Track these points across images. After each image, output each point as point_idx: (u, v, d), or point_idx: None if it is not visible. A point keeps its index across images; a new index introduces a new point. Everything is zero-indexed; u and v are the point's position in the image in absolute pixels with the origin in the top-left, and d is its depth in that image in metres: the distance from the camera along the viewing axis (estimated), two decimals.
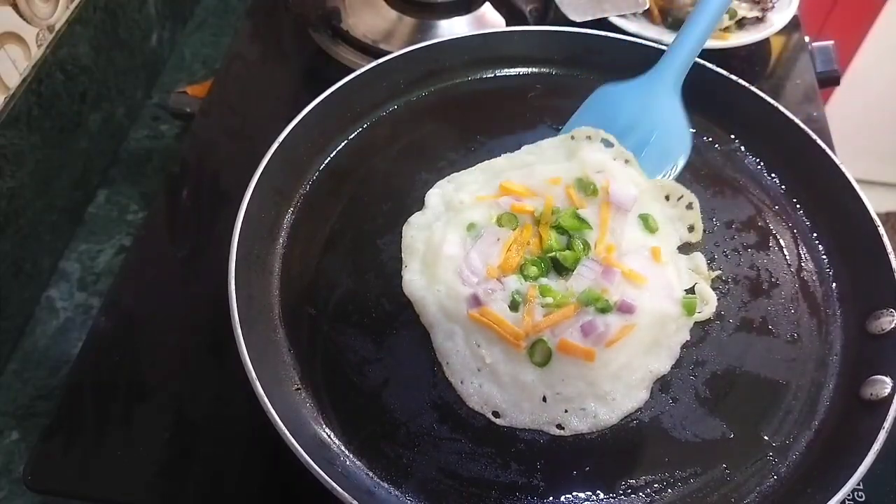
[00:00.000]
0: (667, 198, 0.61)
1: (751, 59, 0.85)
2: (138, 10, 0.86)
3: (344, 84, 0.64)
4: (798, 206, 0.63)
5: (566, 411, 0.51)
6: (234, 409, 0.57)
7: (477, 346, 0.52)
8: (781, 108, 0.64)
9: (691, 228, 0.60)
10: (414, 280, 0.56)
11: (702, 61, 0.66)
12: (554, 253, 0.54)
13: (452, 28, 0.82)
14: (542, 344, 0.51)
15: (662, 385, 0.53)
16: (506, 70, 0.72)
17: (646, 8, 0.83)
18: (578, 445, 0.51)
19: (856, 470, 0.45)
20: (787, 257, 0.60)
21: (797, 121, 0.63)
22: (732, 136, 0.67)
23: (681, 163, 0.63)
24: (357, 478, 0.49)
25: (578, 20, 0.78)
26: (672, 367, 0.54)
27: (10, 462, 0.62)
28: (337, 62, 0.79)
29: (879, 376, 0.51)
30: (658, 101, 0.64)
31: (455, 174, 0.63)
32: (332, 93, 0.63)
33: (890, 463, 0.56)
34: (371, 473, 0.49)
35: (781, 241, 0.61)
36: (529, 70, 0.72)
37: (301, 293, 0.57)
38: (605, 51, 0.71)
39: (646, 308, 0.52)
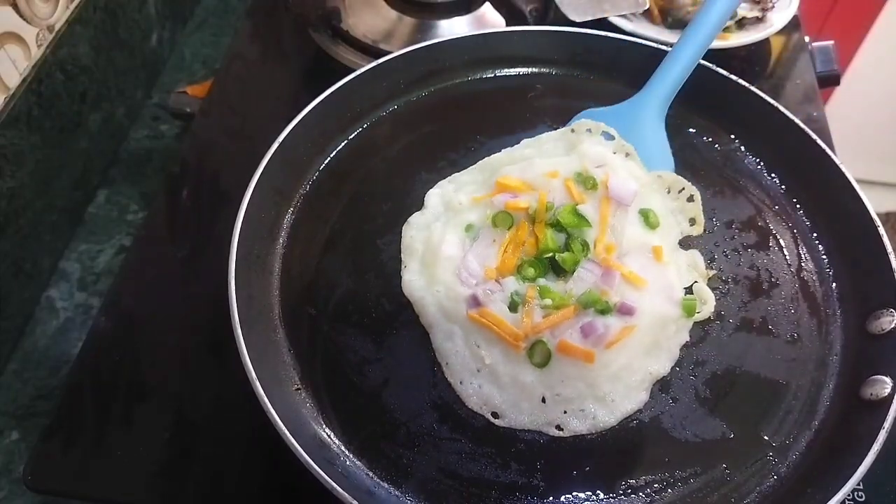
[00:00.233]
0: (668, 190, 0.61)
1: (751, 59, 0.85)
2: (138, 10, 0.86)
3: (344, 84, 0.64)
4: (798, 205, 0.63)
5: (565, 412, 0.51)
6: (234, 409, 0.57)
7: (476, 347, 0.52)
8: (781, 108, 0.64)
9: (693, 221, 0.60)
10: (413, 280, 0.56)
11: (702, 61, 0.66)
12: (552, 254, 0.53)
13: (452, 28, 0.82)
14: (541, 345, 0.51)
15: (662, 385, 0.53)
16: (506, 70, 0.72)
17: (646, 8, 0.83)
18: (578, 445, 0.51)
19: (856, 470, 0.45)
20: (787, 257, 0.60)
21: (797, 121, 0.63)
22: (732, 136, 0.67)
23: None
24: (357, 478, 0.49)
25: (578, 20, 0.77)
26: (672, 368, 0.54)
27: (11, 462, 0.62)
28: (337, 62, 0.78)
29: (879, 376, 0.51)
30: (641, 128, 0.63)
31: (455, 174, 0.63)
32: (331, 93, 0.63)
33: (890, 463, 0.56)
34: (371, 473, 0.49)
35: (781, 241, 0.61)
36: (529, 70, 0.72)
37: (301, 293, 0.57)
38: (605, 51, 0.71)
39: (646, 310, 0.52)
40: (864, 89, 1.55)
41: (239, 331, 0.49)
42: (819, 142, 0.62)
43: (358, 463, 0.50)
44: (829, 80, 0.85)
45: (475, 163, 0.64)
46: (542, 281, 0.53)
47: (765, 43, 0.85)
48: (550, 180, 0.57)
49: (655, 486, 0.49)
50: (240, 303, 0.51)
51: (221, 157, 0.75)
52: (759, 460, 0.50)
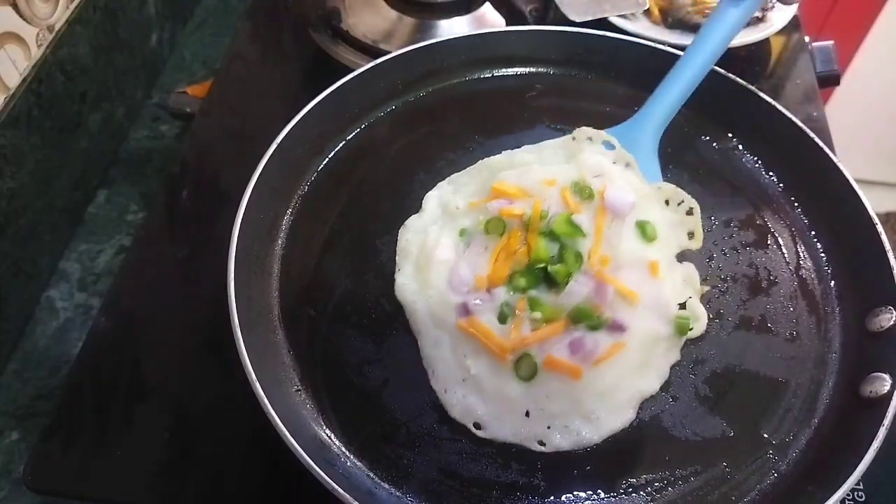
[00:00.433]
0: (667, 202, 0.60)
1: (751, 59, 0.85)
2: (138, 10, 0.86)
3: (342, 85, 0.64)
4: (796, 204, 0.63)
5: (549, 428, 0.50)
6: (234, 410, 0.57)
7: (463, 357, 0.51)
8: (779, 107, 0.64)
9: (691, 235, 0.59)
10: (406, 284, 0.56)
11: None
12: (544, 264, 0.52)
13: (452, 28, 0.82)
14: (528, 358, 0.50)
15: (662, 383, 0.53)
16: (504, 70, 0.72)
17: (646, 8, 0.83)
18: None
19: (856, 467, 0.45)
20: (786, 255, 0.60)
21: (795, 120, 0.63)
22: (731, 135, 0.67)
23: None
24: (357, 479, 0.49)
25: (578, 20, 0.77)
26: (672, 378, 0.53)
27: (11, 462, 0.62)
28: (337, 62, 0.78)
29: (879, 373, 0.51)
30: (638, 146, 0.62)
31: (455, 174, 0.63)
32: (330, 93, 0.63)
33: (890, 463, 0.56)
34: (372, 474, 0.49)
35: (780, 240, 0.61)
36: (528, 70, 0.72)
37: (300, 294, 0.57)
38: (604, 50, 0.71)
39: (637, 327, 0.51)
40: (864, 89, 1.55)
41: (238, 333, 0.49)
42: (817, 140, 0.62)
43: (358, 464, 0.50)
44: (829, 80, 0.85)
45: (474, 163, 0.64)
46: (533, 292, 0.52)
47: (765, 43, 0.85)
48: (547, 188, 0.56)
49: (656, 484, 0.49)
50: (239, 304, 0.51)
51: (221, 157, 0.75)
52: (760, 458, 0.50)
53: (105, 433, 0.56)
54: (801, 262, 0.60)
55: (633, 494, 0.49)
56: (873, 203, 0.58)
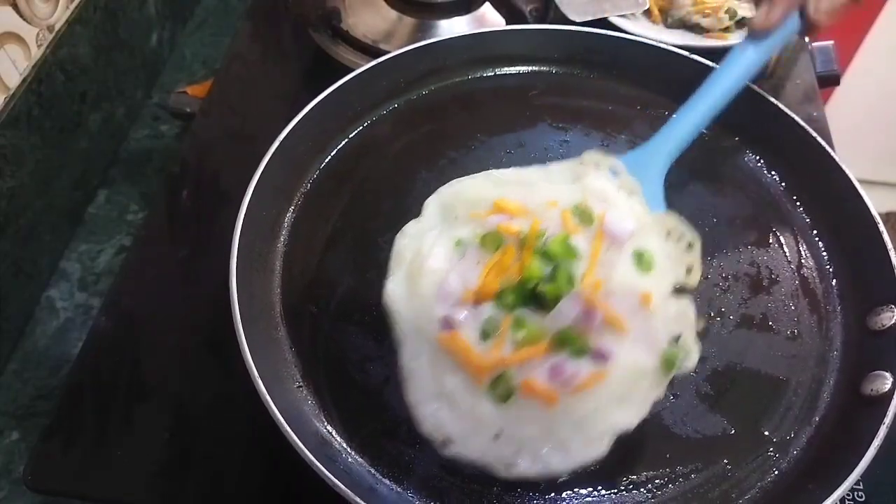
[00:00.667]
0: (667, 234, 0.58)
1: None
2: (138, 10, 0.86)
3: (344, 83, 0.64)
4: (798, 203, 0.63)
5: (517, 452, 0.48)
6: (234, 410, 0.57)
7: (441, 372, 0.50)
8: (781, 106, 0.64)
9: (689, 270, 0.56)
10: (395, 291, 0.54)
11: (703, 59, 0.66)
12: (535, 284, 0.50)
13: (452, 28, 0.82)
14: (504, 380, 0.48)
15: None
16: (506, 69, 0.72)
17: (646, 8, 0.83)
18: None
19: (856, 465, 0.45)
20: (787, 254, 0.60)
21: (797, 118, 0.63)
22: (733, 134, 0.67)
23: None
24: (359, 475, 0.49)
25: (578, 20, 0.78)
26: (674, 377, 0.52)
27: (11, 462, 0.62)
28: (337, 62, 0.78)
29: (880, 372, 0.51)
30: (645, 174, 0.60)
31: (458, 180, 0.61)
32: (332, 92, 0.63)
33: (890, 463, 0.56)
34: (373, 470, 0.49)
35: (781, 239, 0.61)
36: (530, 68, 0.72)
37: (302, 291, 0.57)
38: (607, 50, 0.70)
39: (622, 358, 0.49)
40: (864, 89, 1.55)
41: (240, 328, 0.49)
42: (820, 140, 0.62)
43: (360, 460, 0.50)
44: (829, 80, 0.85)
45: (475, 161, 0.64)
46: (519, 311, 0.50)
47: None
48: (549, 208, 0.54)
49: (657, 481, 0.49)
50: (241, 301, 0.51)
51: (221, 157, 0.75)
52: (760, 456, 0.50)
53: (105, 433, 0.56)
54: (802, 260, 0.60)
55: (634, 491, 0.49)
56: (873, 203, 0.58)
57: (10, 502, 0.60)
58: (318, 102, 0.63)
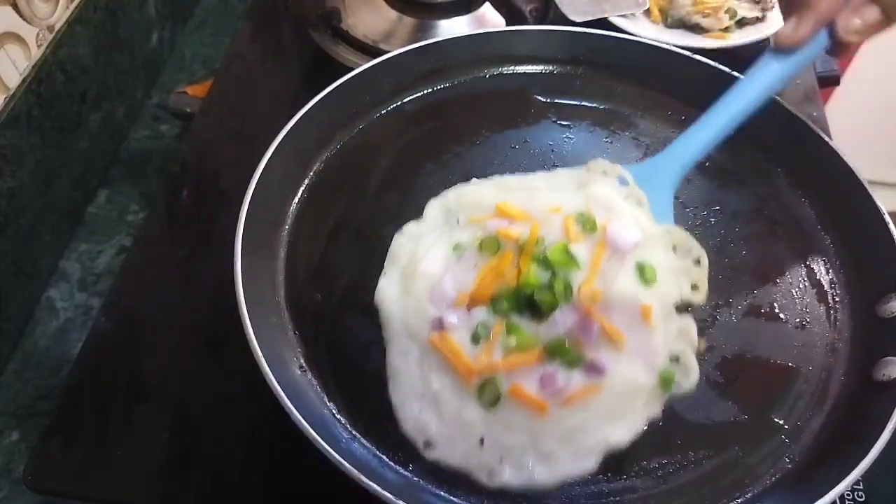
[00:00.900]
0: (674, 249, 0.56)
1: (751, 59, 0.85)
2: (138, 9, 0.86)
3: (350, 78, 0.64)
4: (803, 198, 0.63)
5: (501, 460, 0.47)
6: (234, 409, 0.57)
7: (428, 371, 0.49)
8: (784, 103, 0.64)
9: (695, 287, 0.55)
10: (387, 288, 0.54)
11: (704, 59, 0.67)
12: (531, 291, 0.49)
13: (452, 28, 0.82)
14: (493, 384, 0.47)
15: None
16: (509, 68, 0.72)
17: (646, 8, 0.83)
18: None
19: (870, 450, 0.44)
20: (793, 247, 0.60)
21: (800, 115, 0.63)
22: (737, 132, 0.67)
23: None
24: (364, 457, 0.48)
25: (578, 20, 0.78)
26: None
27: (11, 462, 0.62)
28: (337, 62, 0.79)
29: (891, 357, 0.50)
30: (654, 186, 0.59)
31: (463, 184, 0.61)
32: (338, 86, 0.63)
33: (890, 463, 0.56)
34: (378, 453, 0.49)
35: (787, 232, 0.61)
36: (532, 68, 0.72)
37: (307, 278, 0.57)
38: (609, 50, 0.70)
39: (617, 373, 0.47)
40: (864, 89, 1.55)
41: (244, 308, 0.49)
42: (821, 134, 0.62)
43: (364, 442, 0.49)
44: (829, 80, 0.85)
45: (481, 156, 0.64)
46: (513, 317, 0.49)
47: (765, 43, 0.85)
48: (551, 215, 0.53)
49: (668, 468, 0.48)
50: (245, 284, 0.50)
51: (221, 157, 0.75)
52: (772, 443, 0.49)
53: (105, 433, 0.56)
54: (808, 253, 0.59)
55: (645, 477, 0.48)
56: None
57: (10, 502, 0.60)
58: (325, 96, 0.62)
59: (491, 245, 0.52)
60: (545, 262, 0.50)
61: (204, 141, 0.77)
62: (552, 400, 0.46)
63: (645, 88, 0.69)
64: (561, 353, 0.47)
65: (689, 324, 0.53)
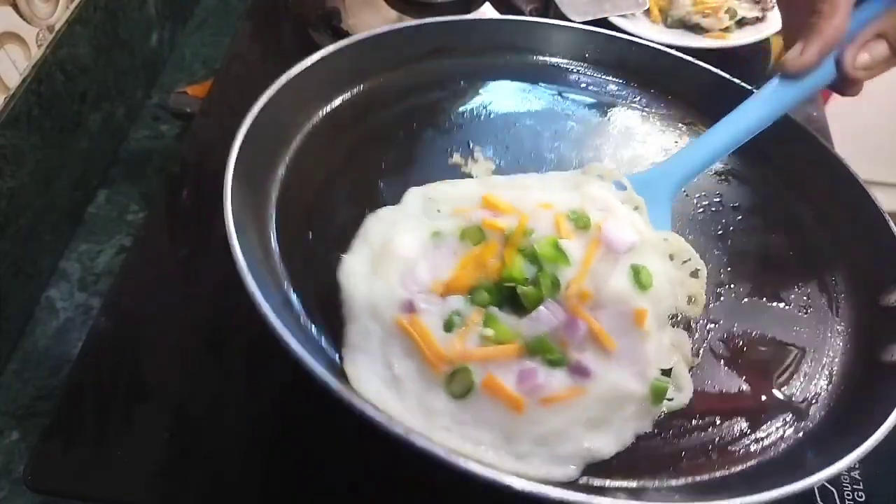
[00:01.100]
0: (671, 258, 0.54)
1: (751, 59, 0.85)
2: (138, 9, 0.86)
3: (362, 39, 0.64)
4: (803, 197, 0.63)
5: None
6: (234, 410, 0.57)
7: (391, 356, 0.45)
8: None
9: (691, 300, 0.53)
10: (354, 266, 0.49)
11: (704, 64, 0.67)
12: (514, 283, 0.46)
13: None
14: (465, 373, 0.43)
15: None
16: (520, 57, 0.71)
17: (646, 8, 0.83)
18: None
19: (885, 421, 0.44)
20: (794, 240, 0.60)
21: (794, 119, 0.63)
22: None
23: None
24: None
25: (578, 20, 0.78)
26: (683, 330, 0.51)
27: (11, 462, 0.62)
28: None
29: None
30: (650, 198, 0.57)
31: (446, 181, 0.59)
32: (344, 47, 0.63)
33: (891, 463, 0.57)
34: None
35: (787, 227, 0.61)
36: (544, 59, 0.72)
37: (299, 218, 0.55)
38: (612, 50, 0.71)
39: (604, 378, 0.44)
40: (865, 89, 1.55)
41: (232, 228, 0.46)
42: (818, 137, 0.62)
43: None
44: None
45: (486, 128, 0.64)
46: (492, 309, 0.46)
47: (765, 42, 0.85)
48: (542, 210, 0.50)
49: (674, 428, 0.48)
50: (235, 213, 0.48)
51: (221, 157, 0.74)
52: (780, 416, 0.49)
53: (105, 433, 0.56)
54: (808, 248, 0.59)
55: (650, 441, 0.47)
56: None
57: (9, 502, 0.60)
58: (335, 51, 0.62)
59: (474, 234, 0.49)
60: (532, 256, 0.47)
61: (204, 141, 0.77)
62: (530, 398, 0.43)
63: (647, 90, 0.70)
64: (543, 351, 0.44)
65: (684, 337, 0.51)
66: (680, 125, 0.68)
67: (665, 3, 0.86)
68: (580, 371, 0.44)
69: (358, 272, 0.49)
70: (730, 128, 0.58)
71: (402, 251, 0.49)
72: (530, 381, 0.43)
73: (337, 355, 0.47)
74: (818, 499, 0.56)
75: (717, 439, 0.48)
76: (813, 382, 0.51)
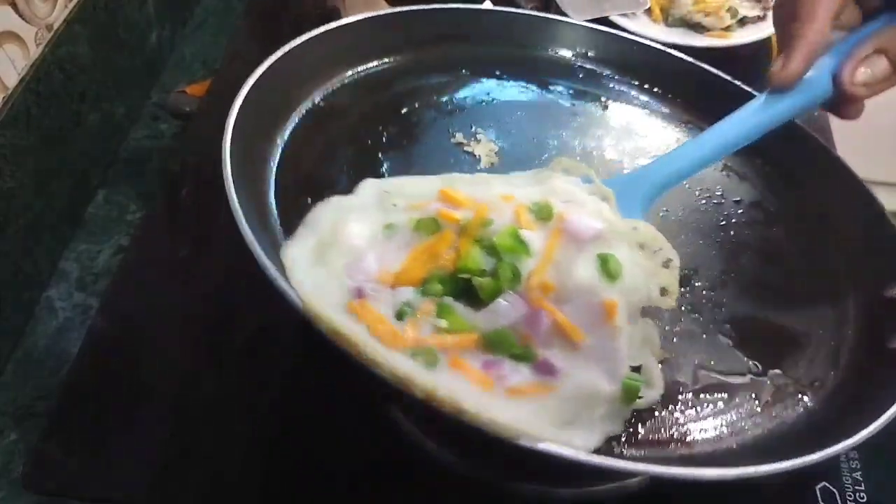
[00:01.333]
0: (641, 247, 0.51)
1: (752, 58, 0.85)
2: (138, 9, 0.86)
3: (360, 21, 0.63)
4: (805, 195, 0.63)
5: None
6: (234, 409, 0.57)
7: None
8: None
9: (664, 292, 0.49)
10: (295, 255, 0.45)
11: (703, 65, 0.67)
12: (469, 275, 0.43)
13: None
14: (428, 352, 0.40)
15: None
16: (525, 51, 0.71)
17: (647, 7, 0.83)
18: None
19: (890, 407, 0.43)
20: (795, 238, 0.59)
21: (797, 122, 0.63)
22: None
23: None
24: None
25: (579, 20, 0.77)
26: (689, 312, 0.51)
27: (10, 462, 0.61)
28: None
29: None
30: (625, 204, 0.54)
31: (403, 177, 0.57)
32: (351, 23, 0.63)
33: (892, 463, 0.57)
34: None
35: (786, 223, 0.60)
36: (546, 53, 0.72)
37: (297, 184, 0.54)
38: (615, 49, 0.71)
39: (573, 375, 0.41)
40: None
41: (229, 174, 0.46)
42: (815, 136, 0.62)
43: None
44: None
45: (491, 114, 0.63)
46: (446, 299, 0.42)
47: (766, 42, 0.85)
48: (502, 202, 0.47)
49: (681, 404, 0.47)
50: (234, 168, 0.47)
51: (221, 157, 0.75)
52: (788, 396, 0.49)
53: (105, 433, 0.56)
54: (808, 244, 0.59)
55: (657, 415, 0.46)
56: None
57: (8, 503, 0.60)
58: (339, 27, 0.62)
59: (428, 225, 0.45)
60: (490, 248, 0.44)
61: (203, 140, 0.77)
62: (497, 383, 0.40)
63: (650, 90, 0.70)
64: (504, 345, 0.41)
65: (650, 328, 0.48)
66: (681, 124, 0.68)
67: (666, 1, 0.86)
68: (546, 369, 0.41)
69: (298, 261, 0.45)
70: (716, 140, 0.55)
71: (351, 239, 0.46)
72: (496, 369, 0.41)
73: None
74: (820, 499, 0.56)
75: (724, 416, 0.47)
76: (818, 367, 0.51)
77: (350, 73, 0.65)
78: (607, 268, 0.45)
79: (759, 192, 0.63)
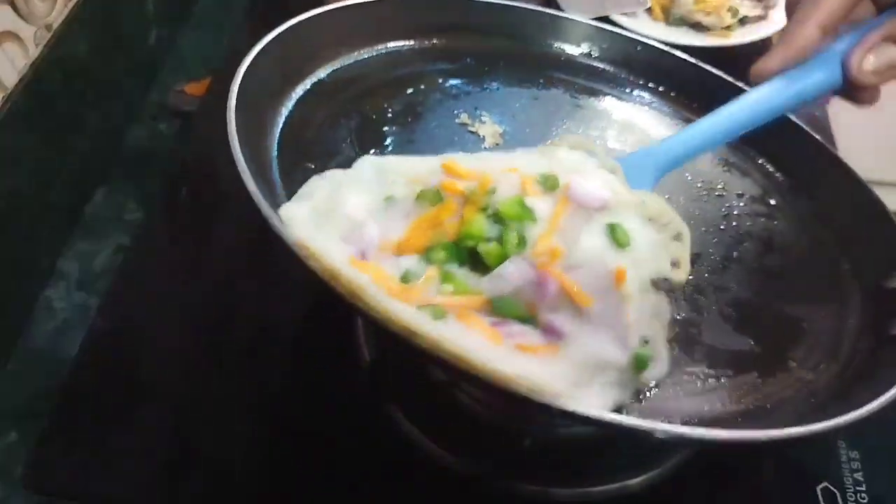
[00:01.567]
0: (650, 220, 0.52)
1: (753, 58, 0.85)
2: (137, 8, 0.85)
3: (373, 3, 0.63)
4: (804, 195, 0.63)
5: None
6: (234, 410, 0.57)
7: None
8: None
9: (675, 264, 0.49)
10: (295, 211, 0.43)
11: (704, 65, 0.67)
12: (474, 242, 0.42)
13: None
14: (436, 307, 0.39)
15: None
16: (529, 45, 0.71)
17: (647, 6, 0.83)
18: None
19: (889, 388, 0.42)
20: (797, 230, 0.59)
21: (793, 118, 0.63)
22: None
23: None
24: None
25: (579, 18, 0.77)
26: (694, 295, 0.51)
27: (9, 463, 0.61)
28: None
29: None
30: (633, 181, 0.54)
31: (403, 157, 0.55)
32: (360, 3, 0.62)
33: (893, 464, 0.57)
34: None
35: (790, 217, 0.60)
36: (551, 49, 0.71)
37: (300, 151, 0.54)
38: (617, 48, 0.71)
39: (580, 342, 0.40)
40: None
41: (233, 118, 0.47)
42: (815, 135, 0.62)
43: None
44: None
45: (495, 101, 0.64)
46: (450, 266, 0.41)
47: (768, 41, 0.85)
48: (506, 174, 0.46)
49: (687, 377, 0.47)
50: (239, 134, 0.47)
51: (221, 156, 0.75)
52: (790, 378, 0.48)
53: (105, 433, 0.56)
54: (812, 238, 0.59)
55: (662, 391, 0.46)
56: None
57: (8, 503, 0.60)
58: (340, 7, 0.61)
59: (431, 196, 0.44)
60: (495, 216, 0.43)
61: (203, 140, 0.77)
62: (507, 338, 0.39)
63: (653, 89, 0.70)
64: (509, 311, 0.40)
65: (662, 301, 0.47)
66: (682, 122, 0.68)
67: (667, 1, 0.85)
68: (552, 332, 0.40)
69: (299, 217, 0.43)
70: (723, 119, 0.56)
71: (349, 210, 0.44)
72: (504, 326, 0.40)
73: None
74: (821, 499, 0.56)
75: (727, 392, 0.47)
76: (820, 350, 0.50)
77: (356, 53, 0.65)
78: (616, 236, 0.45)
79: (761, 187, 0.63)
